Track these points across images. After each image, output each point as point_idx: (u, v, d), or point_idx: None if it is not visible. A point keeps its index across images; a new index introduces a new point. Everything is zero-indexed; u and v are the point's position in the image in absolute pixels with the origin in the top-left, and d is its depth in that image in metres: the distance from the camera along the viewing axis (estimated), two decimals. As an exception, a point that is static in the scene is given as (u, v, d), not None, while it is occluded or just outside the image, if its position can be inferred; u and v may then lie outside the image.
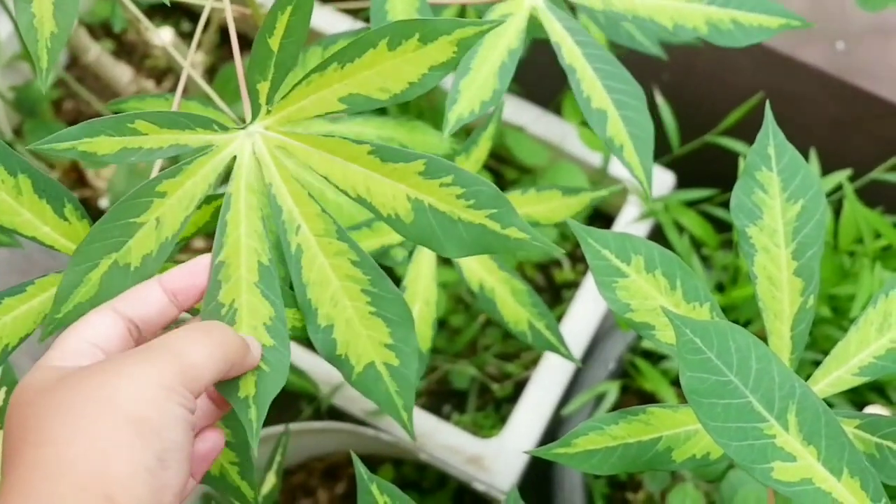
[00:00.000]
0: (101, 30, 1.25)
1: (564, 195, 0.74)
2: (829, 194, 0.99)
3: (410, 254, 0.75)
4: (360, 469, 0.65)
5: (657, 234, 1.07)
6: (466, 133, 0.97)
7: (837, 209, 0.99)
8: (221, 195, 0.53)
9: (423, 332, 0.74)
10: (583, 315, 1.04)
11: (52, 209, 0.53)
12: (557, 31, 0.63)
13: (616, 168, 1.10)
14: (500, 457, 0.99)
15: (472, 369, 1.09)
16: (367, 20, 0.75)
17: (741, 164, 0.92)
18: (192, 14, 1.26)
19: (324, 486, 1.14)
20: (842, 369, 0.59)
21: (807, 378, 0.60)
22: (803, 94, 1.03)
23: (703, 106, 1.08)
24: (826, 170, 1.00)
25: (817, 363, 0.60)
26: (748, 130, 0.61)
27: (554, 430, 1.03)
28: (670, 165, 1.11)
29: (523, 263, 1.11)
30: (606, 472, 0.60)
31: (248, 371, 0.50)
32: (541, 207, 0.74)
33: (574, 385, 1.04)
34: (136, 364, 0.44)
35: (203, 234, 0.55)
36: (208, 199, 0.53)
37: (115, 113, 1.22)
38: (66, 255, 0.53)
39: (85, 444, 0.42)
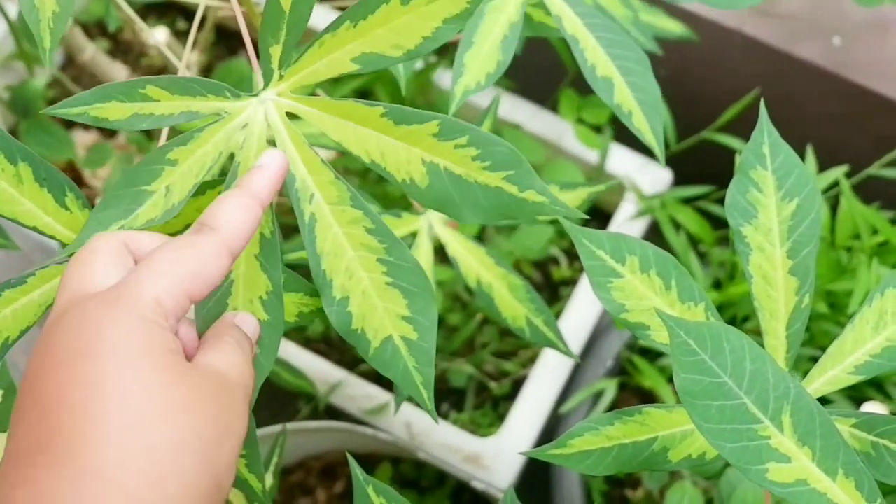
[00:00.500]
0: (96, 29, 1.24)
1: (562, 190, 0.74)
2: (825, 190, 0.99)
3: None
4: (356, 471, 0.65)
5: (654, 232, 1.07)
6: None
7: (834, 205, 0.99)
8: (222, 181, 0.52)
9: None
10: (580, 313, 1.04)
11: (53, 198, 0.52)
12: (557, 4, 0.64)
13: (613, 165, 1.09)
14: (499, 455, 0.99)
15: (469, 368, 1.09)
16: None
17: (737, 161, 0.92)
18: (188, 13, 1.26)
19: (322, 484, 1.14)
20: (838, 368, 0.59)
21: (803, 376, 0.60)
22: (800, 90, 1.03)
23: (700, 102, 1.08)
24: (823, 166, 1.00)
25: (815, 359, 0.60)
26: (745, 127, 0.61)
27: (552, 428, 1.03)
28: (667, 162, 1.11)
29: (520, 261, 1.11)
30: (602, 472, 0.60)
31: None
32: (538, 203, 0.74)
33: (572, 383, 1.04)
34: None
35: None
36: (211, 184, 0.53)
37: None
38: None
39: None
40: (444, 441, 1.00)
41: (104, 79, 1.08)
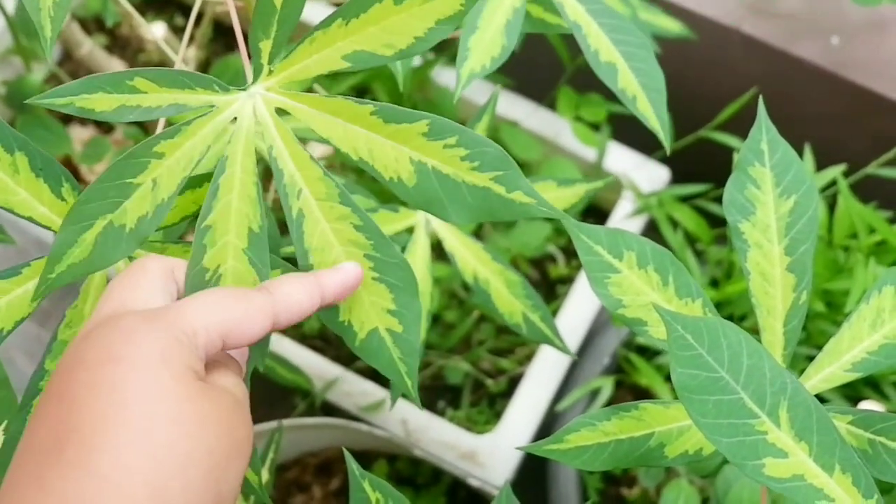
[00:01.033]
0: (93, 24, 1.24)
1: (560, 186, 0.74)
2: (823, 189, 0.99)
3: (403, 248, 0.75)
4: (353, 466, 0.65)
5: (651, 230, 1.07)
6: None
7: (832, 204, 0.99)
8: (210, 176, 0.52)
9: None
10: (577, 310, 1.04)
11: (49, 188, 0.52)
12: None
13: (610, 163, 1.09)
14: (495, 452, 0.99)
15: (466, 365, 1.09)
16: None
17: (735, 159, 0.92)
18: (185, 8, 1.26)
19: (318, 481, 1.14)
20: (834, 365, 0.59)
21: (800, 374, 0.59)
22: (798, 89, 1.03)
23: (698, 101, 1.08)
24: (821, 165, 1.00)
25: (811, 358, 0.60)
26: (743, 125, 0.61)
27: (548, 426, 1.03)
28: (665, 160, 1.11)
29: (517, 258, 1.11)
30: (598, 468, 0.60)
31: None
32: (535, 200, 0.73)
33: (568, 380, 1.04)
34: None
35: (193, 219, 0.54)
36: (208, 177, 0.52)
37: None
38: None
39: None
40: (440, 438, 1.00)
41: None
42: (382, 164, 0.50)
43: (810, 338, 0.97)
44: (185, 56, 1.10)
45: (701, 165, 1.04)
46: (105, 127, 1.21)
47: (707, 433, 0.48)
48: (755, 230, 0.60)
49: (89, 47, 1.07)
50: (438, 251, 0.84)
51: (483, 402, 1.09)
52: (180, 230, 0.58)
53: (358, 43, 0.50)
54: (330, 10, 1.13)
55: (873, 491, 0.48)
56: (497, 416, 1.06)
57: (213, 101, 0.50)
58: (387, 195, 1.05)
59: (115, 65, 1.09)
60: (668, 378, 1.02)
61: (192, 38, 1.13)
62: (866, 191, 1.00)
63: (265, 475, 0.85)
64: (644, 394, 1.03)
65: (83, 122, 1.21)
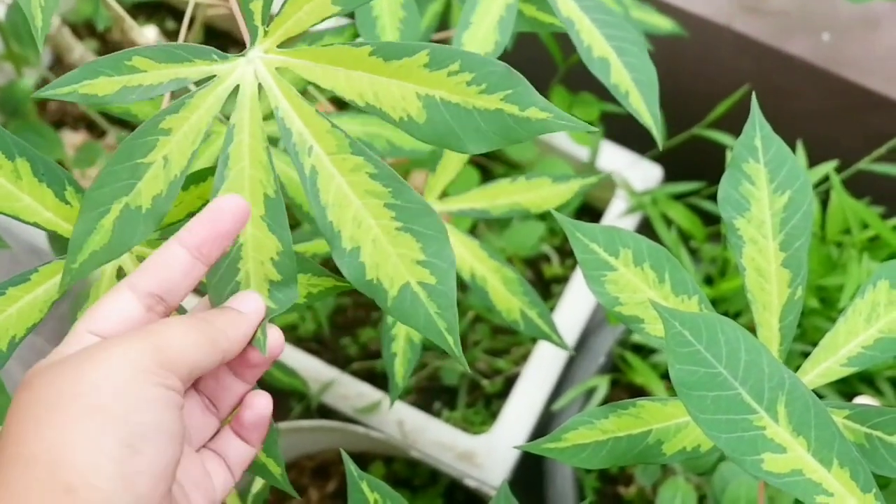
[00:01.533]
0: (84, 29, 1.24)
1: (554, 182, 0.74)
2: (816, 185, 0.99)
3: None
4: (350, 466, 0.65)
5: (645, 228, 1.07)
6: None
7: (825, 200, 0.99)
8: (213, 169, 0.51)
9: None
10: (572, 310, 1.04)
11: (53, 193, 0.51)
12: None
13: (604, 162, 1.10)
14: (492, 452, 0.99)
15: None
16: (351, 16, 0.75)
17: (728, 156, 0.92)
18: (177, 12, 1.25)
19: (314, 484, 1.13)
20: (830, 360, 0.59)
21: (796, 369, 0.60)
22: (790, 86, 1.03)
23: (690, 99, 1.08)
24: (813, 161, 1.00)
25: (806, 355, 0.60)
26: (735, 123, 0.61)
27: (545, 426, 1.03)
28: (657, 158, 1.11)
29: (512, 258, 1.11)
30: (597, 466, 0.60)
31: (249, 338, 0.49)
32: (530, 195, 0.74)
33: (564, 380, 1.04)
34: (108, 349, 0.43)
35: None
36: (212, 171, 0.52)
37: (100, 113, 1.21)
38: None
39: (50, 437, 0.41)
40: (437, 439, 1.00)
41: (93, 78, 1.08)
42: (390, 104, 0.48)
43: (805, 334, 0.97)
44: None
45: (694, 163, 1.05)
46: (97, 131, 1.20)
47: (705, 429, 0.48)
48: (750, 226, 0.60)
49: (81, 52, 1.07)
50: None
51: (479, 402, 1.09)
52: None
53: None
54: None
55: (871, 485, 0.48)
56: (493, 416, 1.06)
57: (214, 71, 0.50)
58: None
59: (107, 69, 1.09)
60: (663, 376, 1.02)
61: (183, 42, 1.12)
62: (859, 186, 1.00)
63: (260, 481, 0.85)
64: (640, 392, 1.04)
65: (75, 126, 1.21)
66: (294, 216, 0.72)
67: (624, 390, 1.06)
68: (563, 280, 1.12)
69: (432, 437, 1.00)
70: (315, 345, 1.12)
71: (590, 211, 1.16)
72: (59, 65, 1.22)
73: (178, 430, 0.43)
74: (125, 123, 1.15)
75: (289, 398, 1.09)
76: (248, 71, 0.50)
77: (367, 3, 0.50)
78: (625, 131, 1.10)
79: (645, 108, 0.63)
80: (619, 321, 0.65)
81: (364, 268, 0.48)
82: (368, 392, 1.02)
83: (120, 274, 0.55)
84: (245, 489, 0.87)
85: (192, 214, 0.54)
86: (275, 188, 0.49)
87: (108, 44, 1.25)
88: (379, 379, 1.09)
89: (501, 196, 0.74)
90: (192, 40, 1.15)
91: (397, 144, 0.73)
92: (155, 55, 0.48)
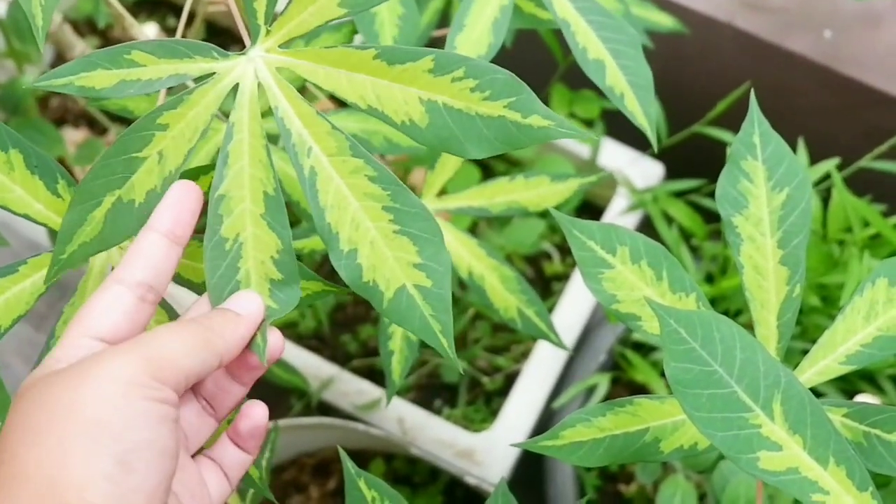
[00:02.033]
0: (85, 26, 1.24)
1: (553, 181, 0.74)
2: (817, 183, 0.99)
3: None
4: (348, 464, 0.65)
5: (646, 226, 1.07)
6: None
7: (826, 198, 0.99)
8: (212, 167, 0.51)
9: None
10: (573, 307, 1.04)
11: (44, 185, 0.51)
12: None
13: (604, 159, 1.09)
14: (492, 450, 0.99)
15: (462, 363, 1.09)
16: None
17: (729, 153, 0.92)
18: (177, 9, 1.25)
19: (315, 481, 1.13)
20: (829, 358, 0.59)
21: (795, 367, 0.59)
22: (791, 83, 1.03)
23: (691, 96, 1.08)
24: (814, 158, 1.00)
25: (806, 353, 0.60)
26: (736, 120, 0.61)
27: (545, 423, 1.03)
28: (659, 156, 1.10)
29: (512, 255, 1.11)
30: (594, 463, 0.60)
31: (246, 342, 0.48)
32: (529, 194, 0.74)
33: (565, 378, 1.04)
34: (101, 362, 0.43)
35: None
36: (205, 170, 0.52)
37: (101, 110, 1.20)
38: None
39: (45, 454, 0.41)
40: (437, 436, 1.00)
41: (94, 75, 1.08)
42: (392, 108, 0.48)
43: (805, 332, 0.96)
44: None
45: (695, 161, 1.04)
46: (98, 128, 1.20)
47: (701, 427, 0.48)
48: (748, 224, 0.60)
49: (82, 49, 1.07)
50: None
51: (479, 400, 1.09)
52: None
53: None
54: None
55: (868, 483, 0.48)
56: (493, 414, 1.06)
57: (214, 69, 0.49)
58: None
59: (108, 66, 1.09)
60: (663, 374, 1.02)
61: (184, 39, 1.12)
62: (860, 184, 1.00)
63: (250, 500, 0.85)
64: (640, 390, 1.03)
65: (76, 124, 1.21)
66: (292, 213, 0.72)
67: (625, 388, 1.06)
68: (563, 278, 1.12)
69: (432, 434, 1.00)
70: (315, 342, 1.12)
71: (591, 208, 1.15)
72: (61, 62, 1.22)
73: (173, 445, 0.43)
74: (126, 121, 1.15)
75: (289, 395, 1.09)
76: (248, 70, 0.50)
77: (376, 5, 0.50)
78: (626, 129, 1.10)
79: (640, 111, 0.63)
80: (617, 319, 0.65)
81: (361, 270, 0.49)
82: (368, 389, 1.02)
83: (106, 271, 0.55)
84: (245, 488, 0.87)
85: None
86: (274, 186, 0.49)
87: (109, 41, 1.25)
88: (379, 376, 1.09)
89: (500, 194, 0.74)
90: (192, 37, 1.15)
91: (395, 141, 0.72)
92: (154, 50, 0.48)
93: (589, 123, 1.08)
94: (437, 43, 0.82)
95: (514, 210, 0.74)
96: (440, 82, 0.48)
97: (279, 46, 0.50)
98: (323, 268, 1.16)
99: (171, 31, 1.23)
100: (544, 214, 1.11)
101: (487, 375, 1.10)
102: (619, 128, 1.10)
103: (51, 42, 1.13)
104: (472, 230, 1.10)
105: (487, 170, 1.15)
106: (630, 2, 0.91)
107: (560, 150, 1.11)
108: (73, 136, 1.20)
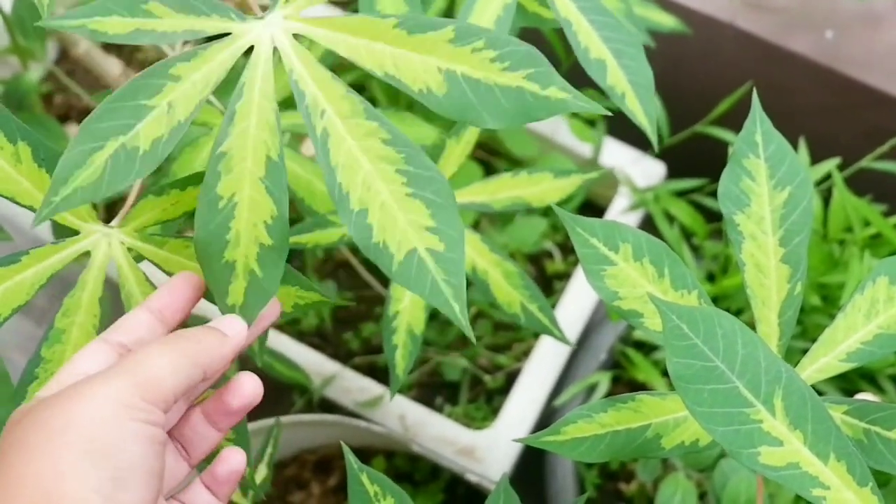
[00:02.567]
0: (90, 24, 1.24)
1: (555, 177, 0.74)
2: (818, 183, 0.99)
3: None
4: (351, 459, 0.65)
5: (648, 225, 1.07)
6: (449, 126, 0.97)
7: (827, 198, 0.99)
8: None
9: (415, 317, 0.74)
10: (574, 306, 1.04)
11: (51, 178, 0.50)
12: None
13: (606, 159, 1.10)
14: (493, 447, 0.99)
15: (463, 361, 1.09)
16: (356, 11, 0.75)
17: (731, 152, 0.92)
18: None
19: (316, 478, 1.14)
20: (830, 355, 0.60)
21: (795, 365, 0.60)
22: (792, 83, 1.04)
23: (693, 96, 1.08)
24: (815, 158, 1.00)
25: (807, 352, 0.60)
26: (738, 119, 0.61)
27: (546, 421, 1.04)
28: (660, 156, 1.11)
29: (514, 254, 1.12)
30: (595, 459, 0.60)
31: (232, 360, 0.49)
32: (532, 190, 0.74)
33: (566, 376, 1.05)
34: (93, 385, 0.44)
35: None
36: (199, 178, 0.51)
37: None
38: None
39: (40, 468, 0.42)
40: (438, 434, 1.01)
41: (98, 72, 1.09)
42: (410, 77, 0.48)
43: (806, 332, 0.97)
44: (182, 52, 1.10)
45: (697, 160, 1.05)
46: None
47: (702, 422, 0.48)
48: (750, 222, 0.60)
49: (86, 46, 1.07)
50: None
51: (481, 398, 1.10)
52: (178, 226, 0.58)
53: None
54: (329, 9, 1.14)
55: (868, 479, 0.49)
56: (495, 412, 1.06)
57: (230, 29, 0.49)
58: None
59: (112, 63, 1.09)
60: (665, 373, 1.02)
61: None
62: (861, 184, 1.00)
63: (263, 470, 0.86)
64: (641, 389, 1.04)
65: (80, 120, 1.22)
66: (294, 210, 0.72)
67: (625, 387, 1.06)
68: (565, 277, 1.12)
69: (433, 431, 1.01)
70: (317, 339, 1.12)
71: (592, 207, 1.16)
72: (65, 59, 1.22)
73: (160, 466, 0.44)
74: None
75: (291, 392, 1.09)
76: (265, 33, 0.49)
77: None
78: (628, 128, 1.10)
79: (641, 110, 0.63)
80: (619, 315, 0.65)
81: (371, 230, 0.48)
82: (370, 386, 1.03)
83: (106, 266, 0.55)
84: (246, 482, 0.87)
85: (185, 214, 0.54)
86: (278, 151, 0.48)
87: (113, 38, 1.26)
88: (381, 373, 1.09)
89: (503, 190, 0.75)
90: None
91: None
92: (172, 3, 0.48)
93: (591, 123, 1.08)
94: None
95: (518, 206, 0.74)
96: (460, 52, 0.48)
97: (299, 12, 0.50)
98: (325, 265, 1.16)
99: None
100: (546, 213, 1.12)
101: (489, 373, 1.10)
102: (621, 127, 1.10)
103: (55, 38, 1.14)
104: (475, 228, 1.10)
105: (489, 169, 1.15)
106: (632, 2, 0.92)
107: (562, 149, 1.11)
108: (77, 133, 1.20)
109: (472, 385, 1.11)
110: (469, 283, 1.08)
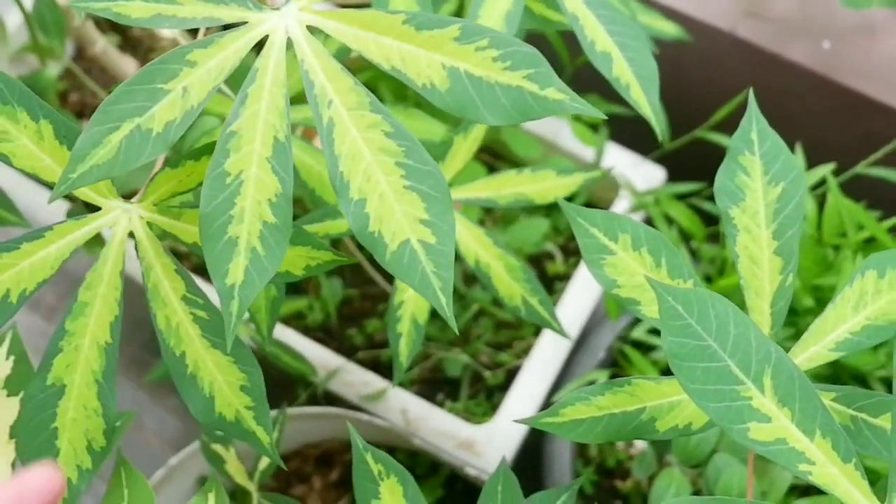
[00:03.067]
0: (107, 24, 1.27)
1: (559, 175, 0.77)
2: (813, 187, 1.02)
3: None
4: (356, 439, 0.68)
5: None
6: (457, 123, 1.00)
7: (822, 203, 1.02)
8: (209, 147, 0.52)
9: (420, 306, 0.76)
10: (574, 306, 1.07)
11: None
12: None
13: (608, 163, 1.12)
14: (492, 442, 1.01)
15: (465, 357, 1.11)
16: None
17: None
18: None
19: (318, 472, 1.15)
20: (819, 344, 0.62)
21: (785, 353, 0.62)
22: (790, 91, 1.06)
23: (693, 102, 1.11)
24: (811, 164, 1.03)
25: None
26: (736, 126, 0.63)
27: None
28: (660, 160, 1.13)
29: (516, 254, 1.14)
30: (592, 440, 0.62)
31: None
32: (536, 187, 0.76)
33: (565, 373, 1.07)
34: None
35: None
36: (200, 153, 0.53)
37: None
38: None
39: None
40: (439, 427, 1.03)
41: (114, 71, 1.11)
42: (415, 71, 0.50)
43: (799, 333, 0.99)
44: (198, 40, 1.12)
45: (696, 165, 1.07)
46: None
47: (695, 398, 0.51)
48: (744, 215, 0.63)
49: (103, 45, 1.10)
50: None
51: (481, 394, 1.12)
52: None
53: None
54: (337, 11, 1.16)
55: (852, 455, 0.51)
56: (494, 408, 1.08)
57: (247, 18, 0.51)
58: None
59: (128, 62, 1.12)
60: (663, 372, 1.04)
61: (206, 35, 1.15)
62: (855, 191, 1.02)
63: (266, 458, 0.88)
64: (638, 387, 1.06)
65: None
66: (301, 208, 0.75)
67: (623, 386, 1.08)
68: (565, 278, 1.14)
69: (434, 425, 1.03)
70: (322, 334, 1.14)
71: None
72: (81, 57, 1.25)
73: None
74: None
75: (295, 385, 1.11)
76: (280, 23, 0.51)
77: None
78: (629, 134, 1.13)
79: (645, 100, 0.66)
80: (617, 303, 0.68)
81: (368, 219, 0.50)
82: (373, 380, 1.05)
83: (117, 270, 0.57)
84: (253, 467, 0.89)
85: (201, 184, 0.56)
86: (286, 133, 0.50)
87: (128, 39, 1.29)
88: (384, 368, 1.11)
89: (507, 186, 0.77)
90: (213, 33, 1.18)
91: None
92: None
93: (593, 127, 1.11)
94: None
95: (521, 202, 0.77)
96: (464, 50, 0.50)
97: (313, 6, 0.52)
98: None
99: (192, 29, 1.26)
100: (548, 214, 1.14)
101: (489, 370, 1.12)
102: (623, 132, 1.13)
103: (73, 37, 1.16)
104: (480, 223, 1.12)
105: (493, 170, 1.17)
106: (636, 9, 0.94)
107: (565, 152, 1.13)
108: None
109: (472, 382, 1.13)
110: (474, 279, 1.10)
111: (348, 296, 1.16)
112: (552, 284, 1.15)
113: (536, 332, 1.10)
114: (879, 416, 0.61)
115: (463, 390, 1.12)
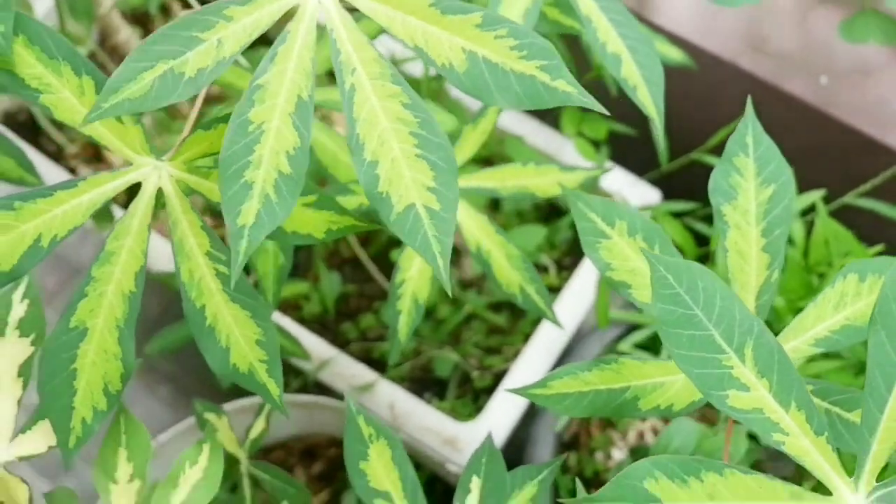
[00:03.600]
0: (130, 17, 1.31)
1: (562, 171, 0.80)
2: (802, 214, 1.05)
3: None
4: (350, 403, 0.70)
5: (640, 247, 1.12)
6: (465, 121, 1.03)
7: (809, 230, 1.05)
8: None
9: (420, 286, 0.79)
10: (565, 315, 1.09)
11: None
12: None
13: (606, 181, 1.16)
14: (475, 439, 1.04)
15: (455, 356, 1.13)
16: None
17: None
18: None
19: (301, 464, 1.17)
20: (799, 339, 0.65)
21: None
22: (786, 122, 1.10)
23: (690, 129, 1.14)
24: (801, 194, 1.06)
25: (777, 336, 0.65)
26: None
27: (529, 420, 1.08)
28: (657, 181, 1.17)
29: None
30: (577, 414, 0.65)
31: None
32: (539, 181, 0.80)
33: (551, 381, 1.09)
34: None
35: None
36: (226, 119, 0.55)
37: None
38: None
39: None
40: (425, 423, 1.05)
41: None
42: (436, 52, 0.54)
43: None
44: None
45: (690, 188, 1.11)
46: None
47: (680, 364, 0.53)
48: (736, 213, 0.66)
49: (127, 34, 1.14)
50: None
51: (468, 395, 1.14)
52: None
53: None
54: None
55: (824, 429, 0.53)
56: (479, 410, 1.11)
57: None
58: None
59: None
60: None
61: None
62: (843, 221, 1.06)
63: (261, 425, 0.89)
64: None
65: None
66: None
67: (606, 398, 1.11)
68: (557, 291, 1.17)
69: (420, 421, 1.05)
70: (318, 326, 1.17)
71: (589, 229, 1.21)
72: (104, 45, 1.29)
73: None
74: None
75: (287, 374, 1.13)
76: None
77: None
78: (627, 156, 1.16)
79: (651, 102, 0.69)
80: (609, 286, 0.71)
81: (378, 180, 0.53)
82: (364, 373, 1.07)
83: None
84: (243, 436, 0.91)
85: (210, 156, 0.59)
86: (309, 93, 0.54)
87: (150, 32, 1.32)
88: (375, 362, 1.13)
89: (511, 178, 0.80)
90: None
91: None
92: None
93: (596, 144, 1.14)
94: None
95: (523, 195, 0.80)
96: (484, 36, 0.54)
97: None
98: (333, 259, 1.21)
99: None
100: (546, 221, 1.17)
101: (478, 370, 1.14)
102: (622, 152, 1.17)
103: (98, 26, 1.20)
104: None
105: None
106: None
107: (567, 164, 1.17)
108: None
109: (460, 383, 1.15)
110: (464, 286, 1.12)
111: (346, 292, 1.18)
112: (544, 296, 1.18)
113: (526, 339, 1.13)
114: (852, 412, 0.64)
115: (450, 390, 1.14)
